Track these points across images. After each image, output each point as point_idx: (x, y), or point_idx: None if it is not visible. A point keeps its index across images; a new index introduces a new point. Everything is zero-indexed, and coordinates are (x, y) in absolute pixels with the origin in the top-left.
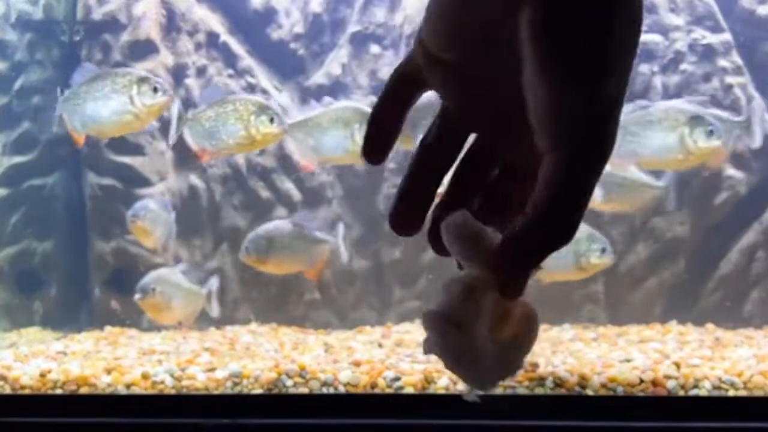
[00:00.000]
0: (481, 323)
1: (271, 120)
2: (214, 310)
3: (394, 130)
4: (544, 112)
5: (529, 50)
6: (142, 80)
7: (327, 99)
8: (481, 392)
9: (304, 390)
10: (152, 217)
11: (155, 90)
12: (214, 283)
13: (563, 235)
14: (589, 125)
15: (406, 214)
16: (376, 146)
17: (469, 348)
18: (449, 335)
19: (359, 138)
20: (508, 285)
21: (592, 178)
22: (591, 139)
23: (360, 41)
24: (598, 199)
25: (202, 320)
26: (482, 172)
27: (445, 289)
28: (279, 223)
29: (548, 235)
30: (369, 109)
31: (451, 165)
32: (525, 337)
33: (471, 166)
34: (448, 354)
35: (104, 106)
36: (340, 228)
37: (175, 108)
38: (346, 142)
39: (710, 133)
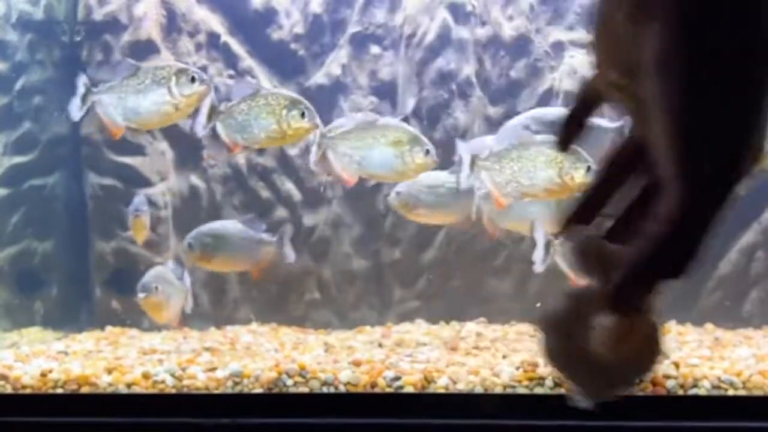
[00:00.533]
0: (591, 336)
1: (303, 115)
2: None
3: (581, 131)
4: (670, 138)
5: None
6: (181, 71)
7: (370, 114)
8: (589, 401)
9: (304, 389)
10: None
11: (193, 80)
12: (187, 279)
13: (679, 270)
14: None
15: (587, 215)
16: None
17: (576, 358)
18: (556, 342)
19: (410, 159)
20: (617, 302)
21: (714, 217)
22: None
23: (360, 42)
24: None
25: (203, 320)
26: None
27: (563, 298)
28: (225, 223)
29: (665, 267)
30: (416, 131)
31: (626, 179)
32: (643, 356)
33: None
34: (556, 361)
35: (144, 98)
36: (287, 230)
37: (208, 99)
38: (396, 162)
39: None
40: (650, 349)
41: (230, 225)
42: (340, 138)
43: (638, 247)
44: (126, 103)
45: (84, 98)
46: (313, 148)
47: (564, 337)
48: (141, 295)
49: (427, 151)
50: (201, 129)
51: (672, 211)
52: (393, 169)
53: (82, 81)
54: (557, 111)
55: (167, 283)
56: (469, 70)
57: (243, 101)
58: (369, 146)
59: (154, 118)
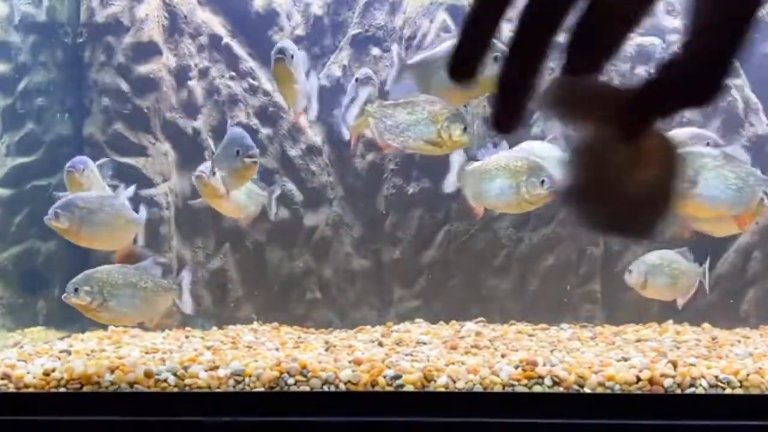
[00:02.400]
0: (615, 173)
1: (464, 129)
2: (187, 306)
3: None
4: None
5: None
6: (454, 118)
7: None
8: (645, 239)
9: (305, 388)
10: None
11: (465, 130)
12: (185, 276)
13: (709, 87)
14: None
15: (466, 56)
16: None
17: (612, 197)
18: (590, 193)
19: (524, 190)
20: (640, 123)
21: (742, 39)
22: None
23: (360, 43)
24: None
25: (204, 320)
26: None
27: (573, 155)
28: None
29: (699, 84)
30: (539, 161)
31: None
32: (668, 170)
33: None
34: (599, 215)
35: (414, 129)
36: (186, 277)
37: (366, 92)
38: (509, 192)
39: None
40: (671, 160)
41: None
42: (471, 173)
43: (670, 61)
44: (397, 125)
45: (361, 111)
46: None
47: (588, 186)
48: (63, 295)
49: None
50: (351, 119)
51: (702, 23)
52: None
53: (366, 92)
54: None
55: (104, 284)
56: None
57: (399, 105)
58: (492, 177)
59: (417, 146)
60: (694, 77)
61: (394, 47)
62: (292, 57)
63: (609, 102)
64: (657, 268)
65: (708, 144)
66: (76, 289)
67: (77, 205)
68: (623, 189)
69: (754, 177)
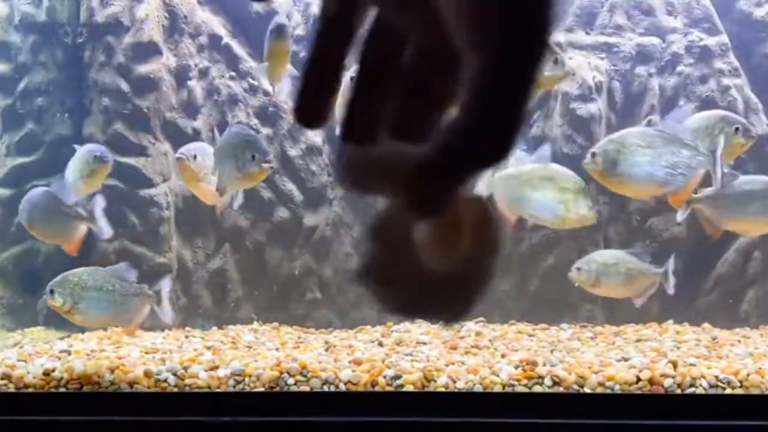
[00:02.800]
0: (413, 251)
1: (591, 206)
2: (166, 314)
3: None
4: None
5: None
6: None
7: (544, 149)
8: (453, 324)
9: (305, 388)
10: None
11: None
12: (164, 284)
13: (501, 146)
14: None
15: (313, 99)
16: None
17: (413, 286)
18: (388, 284)
19: (573, 209)
20: (430, 202)
21: (529, 84)
22: (524, 42)
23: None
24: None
25: (204, 320)
26: (389, 58)
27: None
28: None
29: (484, 144)
30: (577, 182)
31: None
32: (481, 242)
33: (375, 49)
34: (398, 305)
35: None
36: (164, 284)
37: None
38: (558, 207)
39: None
40: (487, 244)
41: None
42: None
43: (452, 127)
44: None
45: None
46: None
47: (384, 277)
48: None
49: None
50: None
51: (481, 81)
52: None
53: None
54: None
55: (77, 287)
56: None
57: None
58: (533, 187)
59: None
60: (479, 140)
61: None
62: (291, 36)
63: (401, 172)
64: (611, 267)
65: (737, 129)
66: (51, 291)
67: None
68: (424, 268)
69: (690, 152)
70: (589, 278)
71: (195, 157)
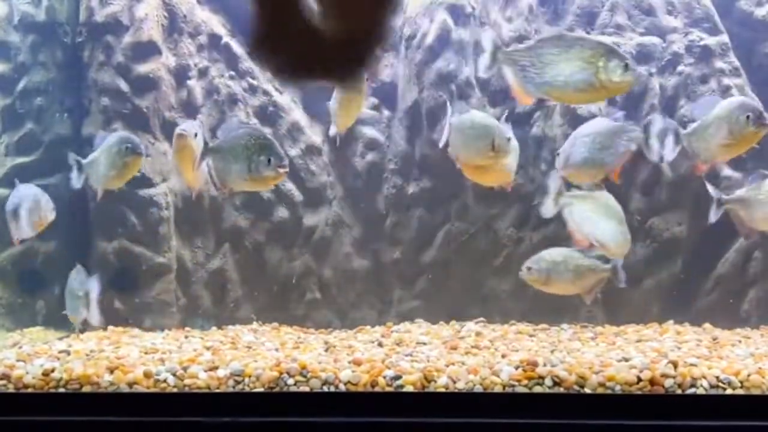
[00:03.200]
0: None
1: (626, 67)
2: (93, 318)
3: None
4: None
5: None
6: (611, 53)
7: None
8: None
9: (305, 388)
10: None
11: (626, 67)
12: (93, 287)
13: None
14: None
15: None
16: None
17: (302, 47)
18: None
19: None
20: None
21: None
22: None
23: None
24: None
25: (204, 320)
26: None
27: None
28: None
29: None
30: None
31: None
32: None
33: None
34: (287, 69)
35: (568, 73)
36: (93, 286)
37: (489, 36)
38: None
39: (625, 67)
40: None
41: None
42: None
43: None
44: (543, 75)
45: (494, 56)
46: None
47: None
48: None
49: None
50: (484, 70)
51: None
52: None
53: (489, 37)
54: None
55: None
56: (468, 71)
57: (546, 43)
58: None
59: (574, 95)
60: None
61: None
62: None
63: None
64: (560, 264)
65: (747, 117)
66: None
67: None
68: (314, 27)
69: (618, 130)
70: (540, 277)
71: (196, 135)
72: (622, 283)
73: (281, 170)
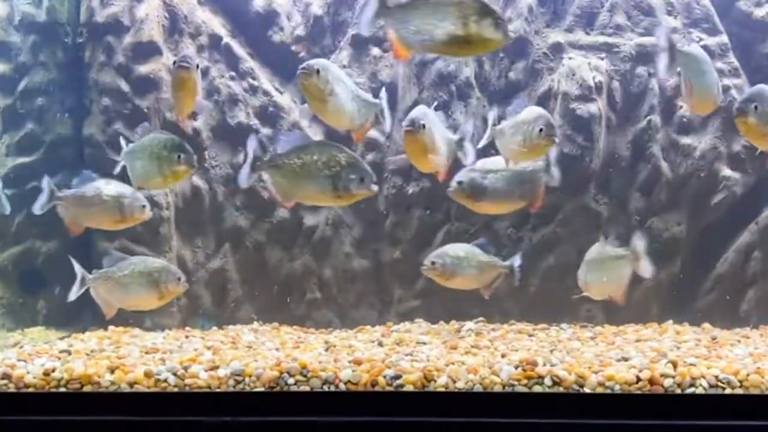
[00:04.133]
0: None
1: (497, 23)
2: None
3: None
4: None
5: None
6: (484, 10)
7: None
8: None
9: (305, 388)
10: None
11: (497, 25)
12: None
13: None
14: None
15: None
16: None
17: None
18: None
19: None
20: None
21: None
22: None
23: (360, 44)
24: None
25: (204, 320)
26: None
27: None
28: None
29: None
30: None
31: None
32: None
33: None
34: None
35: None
36: None
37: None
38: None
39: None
40: None
41: None
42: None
43: None
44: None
45: (378, 11)
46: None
47: None
48: None
49: None
50: (366, 24)
51: None
52: None
53: None
54: None
55: None
56: (468, 71)
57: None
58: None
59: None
60: None
61: None
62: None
63: None
64: (463, 260)
65: (540, 130)
66: None
67: None
68: None
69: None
70: (444, 272)
71: (197, 67)
72: (516, 282)
73: (374, 187)
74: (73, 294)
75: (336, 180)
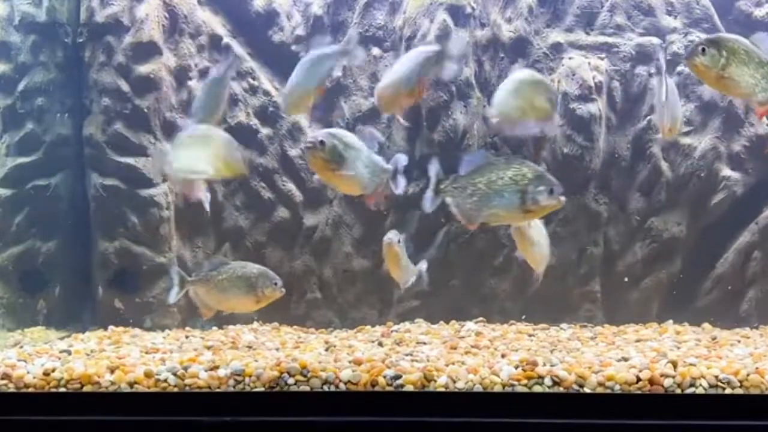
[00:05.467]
0: None
1: (551, 192)
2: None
3: None
4: None
5: None
6: (539, 180)
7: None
8: None
9: (305, 388)
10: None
11: (551, 192)
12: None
13: None
14: None
15: None
16: None
17: None
18: None
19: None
20: None
21: None
22: None
23: (360, 43)
24: None
25: (206, 320)
26: None
27: None
28: None
29: None
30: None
31: None
32: None
33: None
34: None
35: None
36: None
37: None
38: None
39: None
40: None
41: None
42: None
43: None
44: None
45: (436, 189)
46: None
47: None
48: None
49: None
50: (429, 206)
51: None
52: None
53: (434, 169)
54: None
55: None
56: (468, 71)
57: (477, 174)
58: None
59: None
60: None
61: None
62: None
63: None
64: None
65: (703, 50)
66: None
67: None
68: None
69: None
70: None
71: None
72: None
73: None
74: (173, 296)
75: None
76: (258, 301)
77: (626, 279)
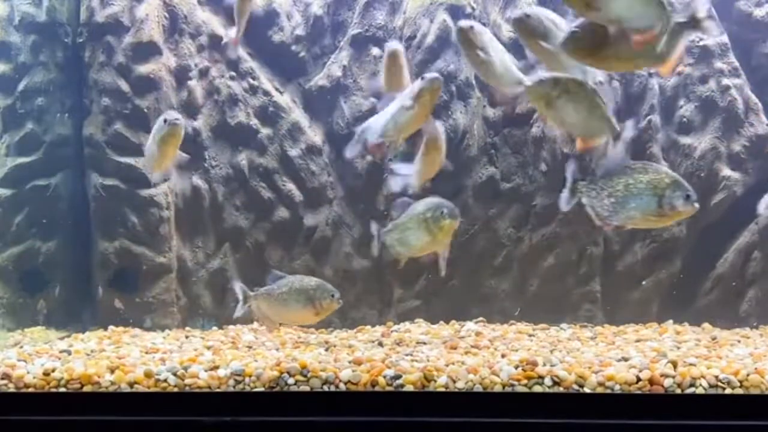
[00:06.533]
0: None
1: (687, 197)
2: None
3: None
4: None
5: None
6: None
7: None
8: None
9: (305, 388)
10: None
11: (687, 198)
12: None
13: None
14: None
15: None
16: None
17: None
18: None
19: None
20: None
21: None
22: None
23: (360, 43)
24: None
25: (204, 320)
26: None
27: None
28: None
29: None
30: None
31: None
32: None
33: None
34: None
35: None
36: None
37: (570, 169)
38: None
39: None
40: None
41: None
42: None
43: None
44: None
45: (572, 189)
46: None
47: None
48: None
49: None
50: (565, 204)
51: None
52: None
53: (571, 170)
54: None
55: None
56: (468, 71)
57: (615, 176)
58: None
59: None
60: None
61: None
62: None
63: None
64: None
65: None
66: None
67: None
68: None
69: None
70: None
71: None
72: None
73: (697, 204)
74: (239, 311)
75: (661, 199)
76: (317, 313)
77: (629, 280)
